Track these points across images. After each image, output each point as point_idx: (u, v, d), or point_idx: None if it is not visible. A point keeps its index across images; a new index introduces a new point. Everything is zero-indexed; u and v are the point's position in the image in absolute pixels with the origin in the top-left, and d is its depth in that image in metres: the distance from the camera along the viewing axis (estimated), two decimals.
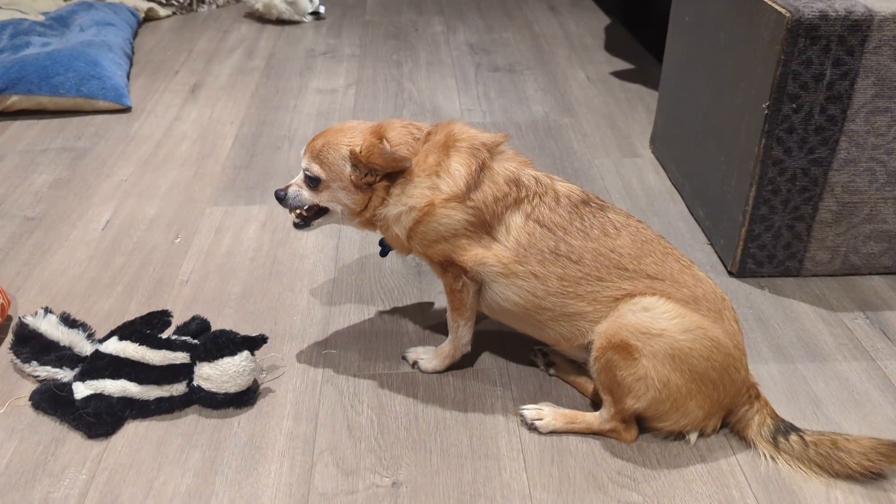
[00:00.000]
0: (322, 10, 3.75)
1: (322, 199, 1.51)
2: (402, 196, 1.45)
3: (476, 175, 1.43)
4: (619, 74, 3.07)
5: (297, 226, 1.58)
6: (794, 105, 1.64)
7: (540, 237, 1.43)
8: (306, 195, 1.52)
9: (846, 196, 1.76)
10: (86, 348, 1.56)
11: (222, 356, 1.47)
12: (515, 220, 1.43)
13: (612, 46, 3.36)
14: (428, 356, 1.62)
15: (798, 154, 1.70)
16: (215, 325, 1.69)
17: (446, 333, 1.59)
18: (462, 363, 1.61)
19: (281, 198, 1.54)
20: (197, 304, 1.80)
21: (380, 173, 1.44)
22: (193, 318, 1.62)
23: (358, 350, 1.67)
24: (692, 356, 1.34)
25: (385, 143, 1.44)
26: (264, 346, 1.53)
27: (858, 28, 1.56)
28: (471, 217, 1.42)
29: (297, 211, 1.56)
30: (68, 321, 1.60)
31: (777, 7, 1.60)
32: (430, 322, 1.75)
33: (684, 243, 2.01)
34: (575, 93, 2.90)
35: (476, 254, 1.44)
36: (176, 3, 3.81)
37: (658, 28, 3.57)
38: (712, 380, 1.36)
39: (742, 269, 1.87)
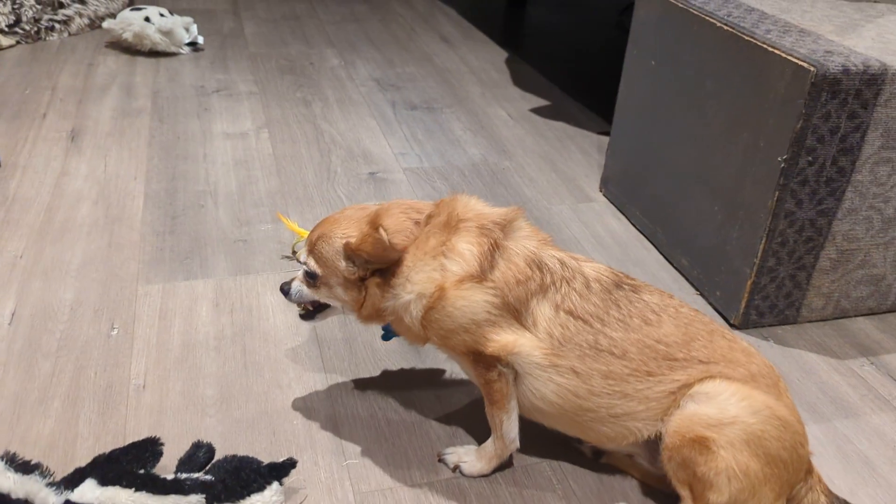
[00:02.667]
0: (200, 40, 3.38)
1: (321, 294, 1.38)
2: (407, 283, 1.28)
3: (489, 255, 1.26)
4: (538, 112, 3.01)
5: (302, 317, 1.47)
6: (809, 158, 1.63)
7: (576, 331, 1.27)
8: (306, 291, 1.39)
9: (845, 244, 1.77)
10: (49, 500, 1.20)
11: (249, 493, 1.18)
12: (544, 311, 1.27)
13: (520, 81, 3.30)
14: (471, 458, 1.41)
15: (808, 205, 1.69)
16: (195, 438, 1.37)
17: (475, 415, 1.39)
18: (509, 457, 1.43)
19: (285, 292, 1.42)
20: (166, 415, 1.47)
21: (370, 267, 1.28)
22: (197, 446, 1.29)
23: (384, 455, 1.43)
24: (765, 439, 1.25)
25: (382, 231, 1.28)
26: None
27: (874, 82, 1.57)
28: (492, 297, 1.25)
29: (303, 304, 1.44)
30: (18, 464, 1.23)
31: (797, 61, 1.57)
32: (453, 403, 1.55)
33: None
34: (503, 132, 2.80)
35: (508, 340, 1.27)
36: (21, 31, 3.27)
37: (561, 62, 3.57)
38: (784, 460, 1.28)
39: (745, 322, 1.83)
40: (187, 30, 3.35)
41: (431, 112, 2.93)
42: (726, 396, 1.25)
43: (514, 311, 1.26)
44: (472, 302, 1.25)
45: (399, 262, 1.28)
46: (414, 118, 2.86)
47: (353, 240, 1.28)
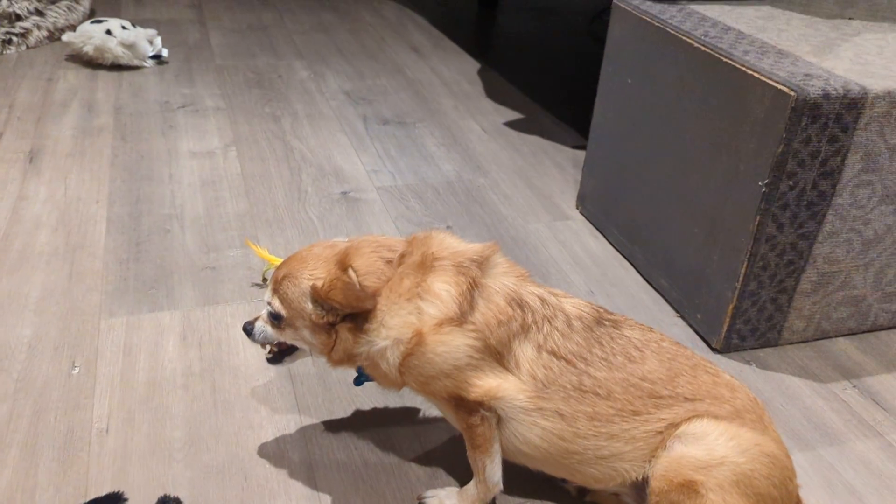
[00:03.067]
0: (165, 53, 3.29)
1: (286, 336, 1.32)
2: (382, 329, 1.22)
3: (468, 295, 1.21)
4: (512, 125, 2.97)
5: (269, 361, 1.40)
6: (790, 182, 1.60)
7: (559, 372, 1.23)
8: (271, 332, 1.33)
9: (826, 266, 1.75)
10: None
11: None
12: (526, 353, 1.23)
13: (492, 94, 3.25)
14: (452, 501, 1.36)
15: (789, 229, 1.67)
16: (165, 490, 1.31)
17: (455, 454, 1.34)
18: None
19: (248, 332, 1.36)
20: (131, 461, 1.40)
21: (340, 313, 1.22)
22: (163, 502, 1.22)
23: (361, 499, 1.37)
24: (754, 478, 1.22)
25: (352, 272, 1.23)
26: None
27: (854, 105, 1.55)
28: (473, 341, 1.20)
29: (269, 346, 1.38)
30: None
31: (776, 85, 1.54)
32: (433, 442, 1.50)
33: (653, 317, 1.92)
34: (478, 148, 2.75)
35: (491, 385, 1.22)
36: None
37: (533, 72, 3.54)
38: (773, 497, 1.25)
39: (727, 346, 1.80)
40: (151, 42, 3.25)
41: (404, 127, 2.87)
42: (714, 437, 1.22)
43: (497, 354, 1.22)
44: (453, 347, 1.20)
45: (372, 307, 1.23)
46: (386, 133, 2.81)
47: (320, 282, 1.21)
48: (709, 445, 1.21)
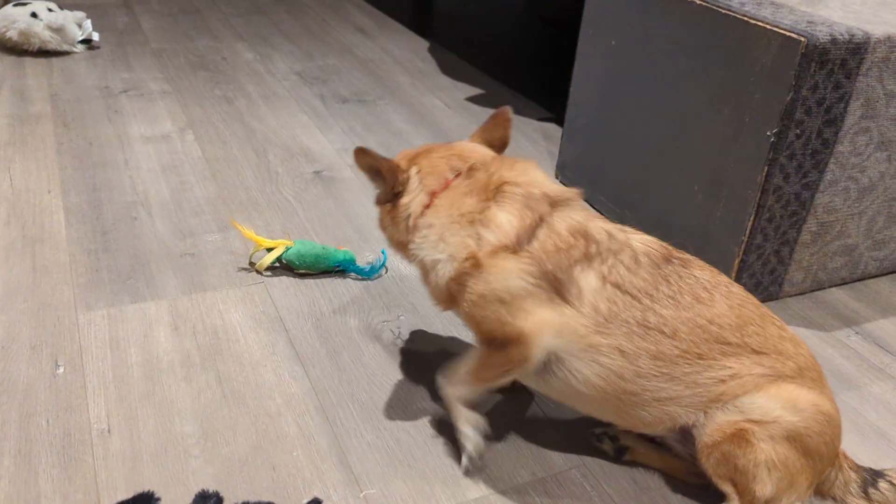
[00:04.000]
0: (96, 37, 3.07)
1: None
2: (440, 242, 1.23)
3: (530, 230, 1.19)
4: (474, 100, 2.91)
5: None
6: (797, 131, 1.60)
7: (623, 306, 1.19)
8: None
9: (825, 216, 1.77)
10: None
11: None
12: (589, 282, 1.18)
13: (448, 70, 3.18)
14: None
15: (794, 179, 1.67)
16: (190, 487, 1.19)
17: (490, 418, 1.28)
18: (536, 467, 1.32)
19: None
20: (143, 461, 1.27)
21: (389, 191, 1.30)
22: (203, 497, 1.10)
23: (401, 479, 1.28)
24: (807, 435, 1.20)
25: (414, 168, 1.29)
26: None
27: (858, 50, 1.56)
28: (528, 266, 1.17)
29: None
30: None
31: (784, 32, 1.53)
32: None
33: None
34: (446, 122, 2.68)
35: (542, 319, 1.17)
36: None
37: (483, 49, 3.48)
38: (821, 453, 1.24)
39: None
40: (80, 26, 3.03)
41: (365, 105, 2.77)
42: (773, 403, 1.19)
43: (555, 280, 1.17)
44: (510, 271, 1.17)
45: (434, 195, 1.26)
46: (348, 111, 2.70)
47: (384, 163, 1.28)
48: (765, 408, 1.19)
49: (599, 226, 1.23)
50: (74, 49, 3.00)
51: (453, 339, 1.63)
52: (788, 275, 1.83)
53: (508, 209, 1.19)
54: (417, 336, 1.63)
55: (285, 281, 1.76)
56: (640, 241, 1.26)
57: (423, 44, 3.49)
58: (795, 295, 1.89)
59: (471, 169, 1.26)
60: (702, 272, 1.27)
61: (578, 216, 1.23)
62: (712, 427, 1.21)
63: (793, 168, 1.65)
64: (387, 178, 1.29)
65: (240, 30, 3.45)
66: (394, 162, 1.30)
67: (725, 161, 1.72)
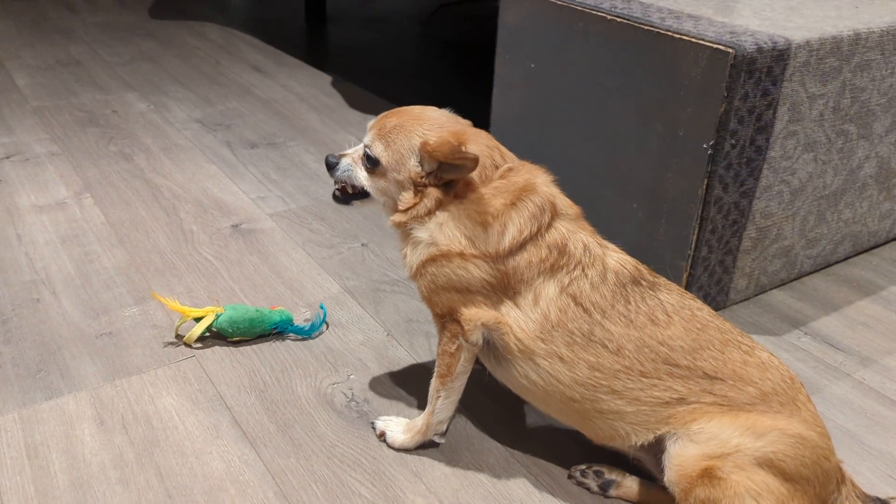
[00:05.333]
0: None
1: (374, 183, 1.30)
2: (437, 229, 1.24)
3: (523, 242, 1.23)
4: None
5: (336, 199, 1.38)
6: (732, 141, 1.59)
7: (572, 317, 1.22)
8: (360, 175, 1.31)
9: (762, 221, 1.77)
10: None
11: None
12: (547, 291, 1.23)
13: (355, 104, 3.09)
14: (398, 430, 1.39)
15: (733, 188, 1.66)
16: None
17: (459, 487, 1.19)
18: (507, 493, 1.23)
19: (331, 165, 1.34)
20: None
21: (443, 178, 1.23)
22: None
23: None
24: (778, 459, 1.18)
25: (462, 148, 1.21)
26: None
27: (781, 57, 1.57)
28: (491, 279, 1.23)
29: (342, 185, 1.36)
30: None
31: (711, 45, 1.52)
32: (435, 477, 1.32)
33: None
34: None
35: (488, 316, 1.25)
36: None
37: (387, 79, 3.40)
38: (805, 476, 1.21)
39: None
40: None
41: (275, 148, 2.63)
42: (728, 433, 1.17)
43: (512, 291, 1.24)
44: (471, 275, 1.23)
45: (471, 189, 1.23)
46: (258, 157, 2.55)
47: (431, 141, 1.21)
48: (721, 440, 1.17)
49: (580, 238, 1.26)
50: None
51: (411, 394, 1.53)
52: (733, 283, 1.83)
53: (520, 215, 1.23)
54: (372, 395, 1.52)
55: (219, 352, 1.61)
56: (617, 259, 1.27)
57: (325, 78, 3.38)
58: (741, 301, 1.89)
59: (510, 169, 1.27)
60: (668, 295, 1.26)
61: (566, 228, 1.26)
62: (676, 476, 1.18)
63: (731, 178, 1.64)
64: (466, 170, 1.22)
65: (128, 79, 3.24)
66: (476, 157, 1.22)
67: (663, 177, 1.70)
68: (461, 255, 1.23)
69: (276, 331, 1.65)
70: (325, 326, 1.70)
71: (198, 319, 1.61)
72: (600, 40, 1.75)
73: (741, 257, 1.79)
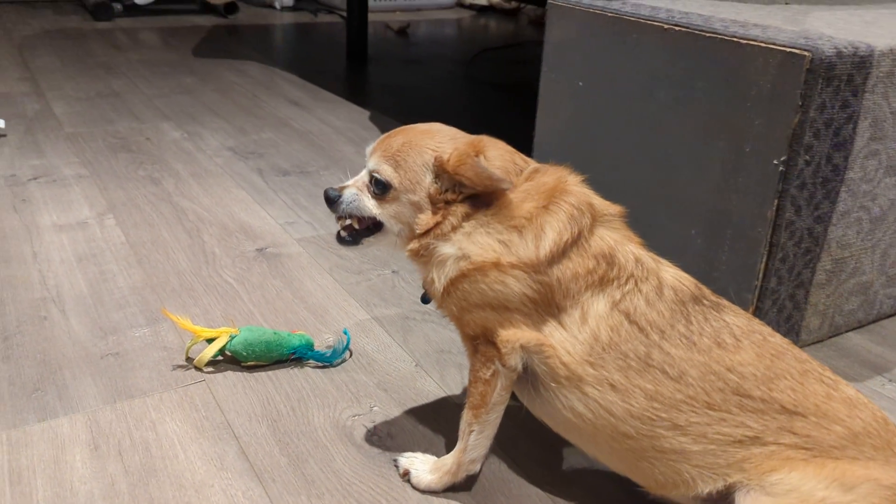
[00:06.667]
0: (1, 123, 2.77)
1: (386, 211, 1.16)
2: (465, 239, 1.10)
3: (565, 247, 1.08)
4: None
5: (343, 241, 1.22)
6: (807, 157, 1.43)
7: (626, 337, 1.06)
8: (368, 204, 1.17)
9: (839, 251, 1.59)
10: None
11: None
12: (597, 307, 1.08)
13: None
14: (424, 468, 1.22)
15: (806, 212, 1.49)
16: None
17: None
18: None
19: (332, 199, 1.19)
20: None
21: (465, 192, 1.10)
22: None
23: None
24: None
25: (482, 159, 1.11)
26: None
27: (863, 64, 1.41)
28: (533, 294, 1.08)
29: (348, 222, 1.20)
30: None
31: (784, 48, 1.37)
32: None
33: None
34: None
35: (528, 336, 1.08)
36: None
37: (426, 116, 3.31)
38: None
39: None
40: None
41: (307, 176, 2.53)
42: (811, 484, 0.99)
43: (556, 308, 1.08)
44: (510, 290, 1.08)
45: (498, 204, 1.09)
46: (290, 184, 2.45)
47: (446, 156, 1.10)
48: (802, 491, 0.98)
49: (629, 250, 1.12)
50: None
51: (440, 431, 1.36)
52: (805, 321, 1.63)
53: (556, 218, 1.09)
54: (397, 430, 1.35)
55: (231, 377, 1.46)
56: (674, 274, 1.12)
57: (363, 112, 3.31)
58: (813, 343, 1.69)
59: (535, 171, 1.15)
60: (735, 318, 1.10)
61: (612, 237, 1.12)
62: None
63: (804, 199, 1.47)
64: (504, 185, 1.11)
65: (164, 110, 3.20)
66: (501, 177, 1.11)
67: (726, 198, 1.53)
68: (497, 265, 1.08)
69: (295, 356, 1.50)
70: (348, 353, 1.55)
71: (210, 341, 1.48)
72: (655, 51, 1.62)
73: (814, 292, 1.60)
